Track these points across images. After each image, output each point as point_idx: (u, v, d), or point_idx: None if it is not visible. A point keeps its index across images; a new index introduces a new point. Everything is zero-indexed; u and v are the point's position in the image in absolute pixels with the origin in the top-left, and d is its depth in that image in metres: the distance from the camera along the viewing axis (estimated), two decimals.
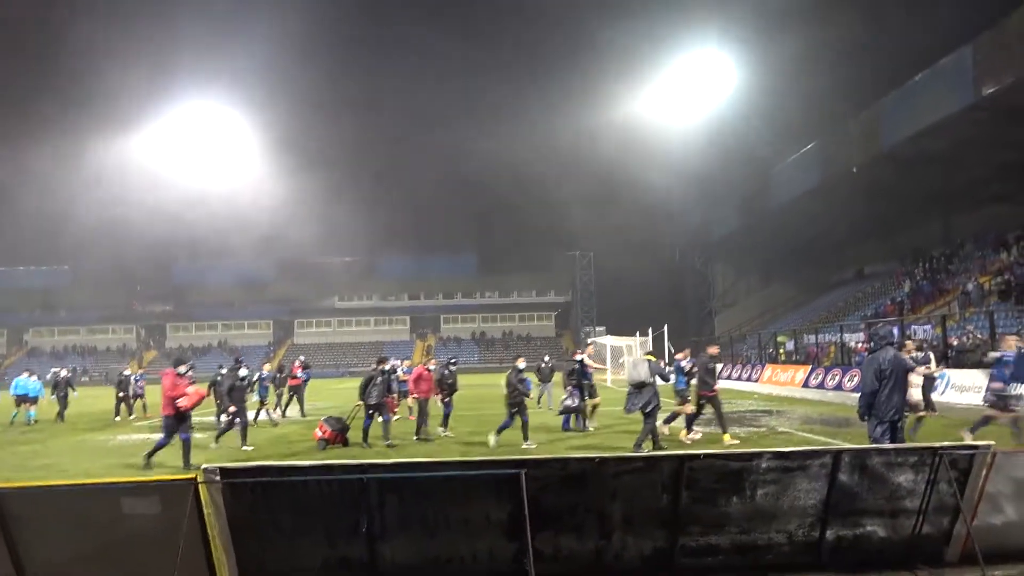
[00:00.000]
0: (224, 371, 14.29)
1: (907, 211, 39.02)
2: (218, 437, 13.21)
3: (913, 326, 25.41)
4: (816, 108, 41.26)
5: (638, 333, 36.59)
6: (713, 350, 13.13)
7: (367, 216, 56.79)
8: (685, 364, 13.23)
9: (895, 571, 5.19)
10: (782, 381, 26.68)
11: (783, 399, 22.41)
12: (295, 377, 18.95)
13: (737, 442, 11.96)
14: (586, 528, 5.07)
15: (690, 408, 12.53)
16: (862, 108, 34.39)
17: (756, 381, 29.37)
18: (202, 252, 66.06)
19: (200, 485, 4.73)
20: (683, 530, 5.11)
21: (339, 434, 12.48)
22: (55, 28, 49.96)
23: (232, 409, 12.69)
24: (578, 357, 14.52)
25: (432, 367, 14.45)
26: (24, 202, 51.63)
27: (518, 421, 12.11)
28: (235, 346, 68.61)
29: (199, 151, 52.62)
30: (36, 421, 19.15)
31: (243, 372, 13.75)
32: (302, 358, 20.00)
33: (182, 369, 10.79)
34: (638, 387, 10.72)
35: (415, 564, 5.03)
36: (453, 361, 15.01)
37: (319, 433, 12.49)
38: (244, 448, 12.65)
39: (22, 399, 19.41)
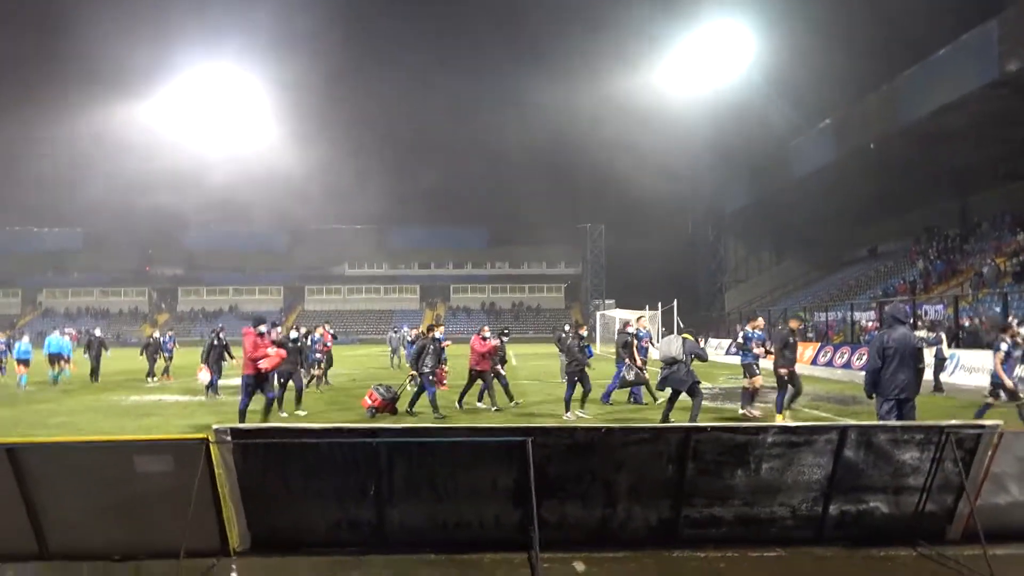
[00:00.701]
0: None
1: (923, 189, 38.59)
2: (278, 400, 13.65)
3: (924, 306, 25.28)
4: (834, 82, 40.63)
5: (647, 307, 36.54)
6: (794, 323, 12.48)
7: (379, 185, 56.81)
8: (754, 336, 12.50)
9: (897, 547, 5.23)
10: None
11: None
12: (327, 344, 18.23)
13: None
14: (591, 497, 5.12)
15: (759, 382, 12.09)
16: (881, 83, 33.85)
17: (765, 358, 29.31)
18: (214, 217, 66.34)
19: (211, 445, 4.80)
20: (688, 501, 5.15)
21: (389, 403, 12.17)
22: None
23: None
24: (630, 329, 13.71)
25: (487, 335, 13.25)
26: (37, 165, 51.91)
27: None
28: (245, 311, 69.17)
29: (213, 115, 52.52)
30: (69, 379, 19.40)
31: (294, 334, 13.88)
32: (327, 325, 19.22)
33: (262, 328, 10.61)
34: (669, 364, 10.30)
35: (422, 528, 5.11)
36: (505, 331, 14.35)
37: (368, 401, 12.17)
38: (298, 412, 12.72)
39: (56, 357, 19.37)
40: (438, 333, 12.73)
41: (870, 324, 26.48)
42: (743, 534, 5.23)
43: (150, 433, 9.89)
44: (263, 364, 10.33)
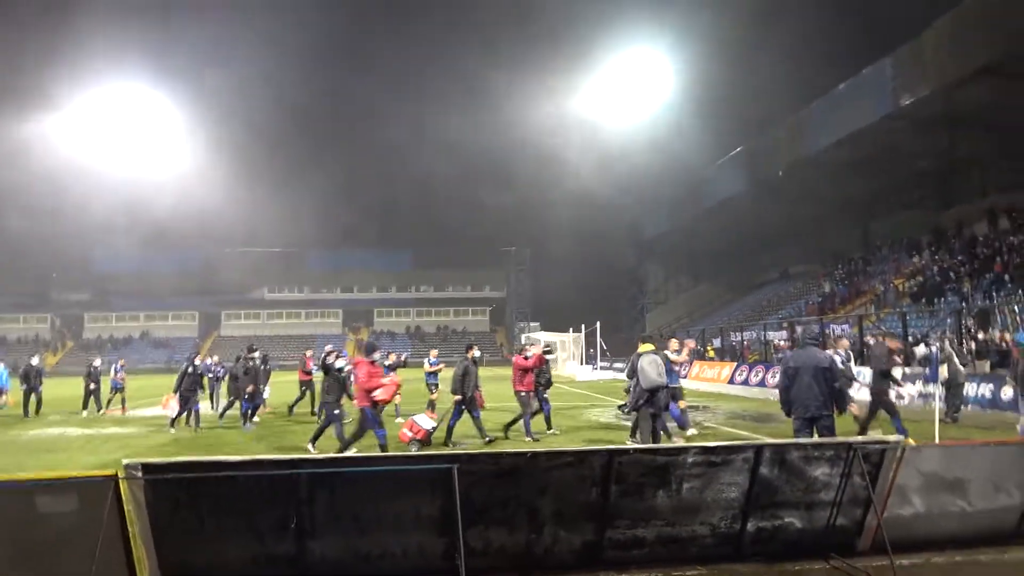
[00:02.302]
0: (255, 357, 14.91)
1: (829, 215, 40.71)
2: (244, 419, 14.31)
3: (832, 325, 26.49)
4: (745, 113, 42.59)
5: (571, 329, 36.99)
6: (893, 344, 11.24)
7: (299, 207, 55.74)
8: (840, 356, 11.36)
9: (810, 561, 5.43)
10: (709, 378, 27.41)
11: (709, 395, 23.04)
12: (308, 372, 16.94)
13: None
14: (517, 522, 5.12)
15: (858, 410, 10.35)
16: (788, 115, 35.63)
17: (684, 377, 30.06)
18: (124, 240, 63.48)
19: (121, 481, 4.57)
20: (611, 524, 5.21)
21: (430, 433, 11.19)
22: None
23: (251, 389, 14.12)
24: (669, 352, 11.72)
25: (530, 354, 12.15)
26: None
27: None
28: (158, 337, 66.31)
29: (123, 134, 50.40)
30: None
31: (340, 363, 13.10)
32: (313, 351, 17.97)
33: (376, 356, 9.99)
34: (652, 391, 9.18)
35: (345, 560, 4.98)
36: (548, 349, 13.13)
37: (408, 433, 11.03)
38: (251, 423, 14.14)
39: None
40: (475, 353, 11.90)
41: (782, 343, 27.54)
42: (665, 554, 5.32)
43: (53, 470, 9.32)
44: (379, 395, 9.69)
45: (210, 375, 17.97)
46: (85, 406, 18.18)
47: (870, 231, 40.83)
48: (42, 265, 66.16)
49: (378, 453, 8.80)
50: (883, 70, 27.96)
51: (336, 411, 10.63)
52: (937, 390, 11.06)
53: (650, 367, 9.11)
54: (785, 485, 5.36)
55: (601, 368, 36.71)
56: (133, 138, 50.37)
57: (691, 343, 13.13)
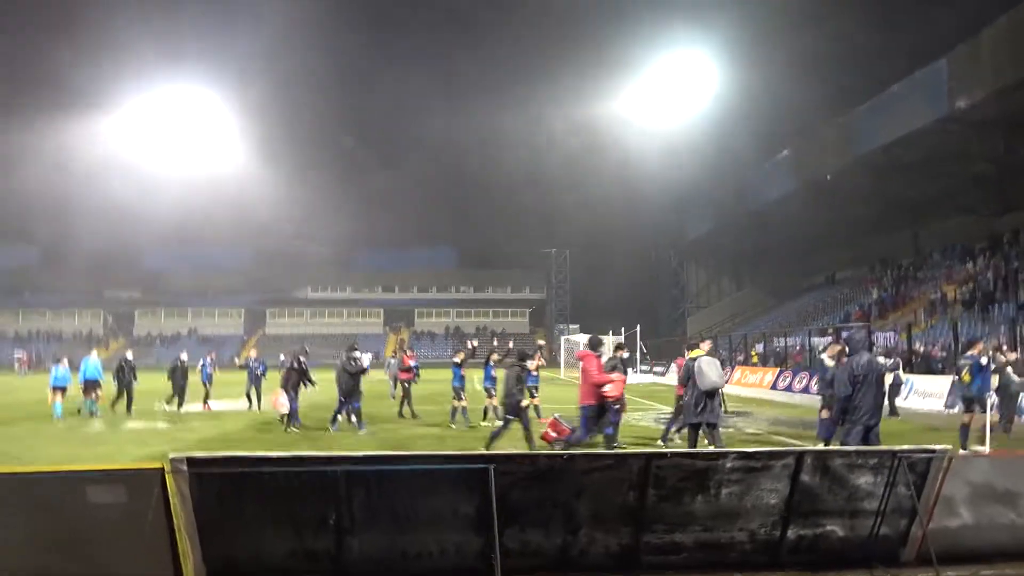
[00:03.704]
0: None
1: (878, 219, 39.70)
2: (333, 420, 13.62)
3: (876, 332, 25.88)
4: (793, 114, 41.82)
5: (611, 331, 36.78)
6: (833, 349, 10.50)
7: (344, 208, 56.53)
8: (983, 361, 10.70)
9: (852, 571, 5.32)
10: (751, 383, 27.02)
11: (752, 400, 22.71)
12: (407, 369, 16.29)
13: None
14: (553, 524, 5.11)
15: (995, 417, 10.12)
16: (838, 115, 34.90)
17: (726, 383, 29.68)
18: (174, 239, 65.20)
19: (167, 475, 4.70)
20: (648, 528, 5.18)
21: (574, 431, 10.16)
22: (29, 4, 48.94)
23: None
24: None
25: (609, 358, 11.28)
26: None
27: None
28: (205, 334, 67.78)
29: (174, 135, 51.82)
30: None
31: (357, 354, 13.68)
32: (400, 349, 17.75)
33: (602, 350, 9.74)
34: (711, 394, 9.05)
35: (382, 557, 5.04)
36: (622, 345, 12.50)
37: (552, 433, 10.29)
38: (360, 432, 13.13)
39: (93, 385, 16.38)
40: (625, 354, 11.59)
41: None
42: (703, 559, 5.26)
43: (103, 462, 9.61)
44: (610, 390, 9.32)
45: (254, 371, 17.91)
46: (181, 402, 17.42)
47: (920, 236, 39.74)
48: (95, 263, 68.24)
49: (416, 452, 8.82)
50: (938, 72, 27.21)
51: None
52: (990, 400, 10.71)
53: (709, 368, 9.02)
54: (827, 493, 5.26)
55: (641, 372, 36.42)
56: (185, 138, 51.75)
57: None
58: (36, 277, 68.74)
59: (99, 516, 4.69)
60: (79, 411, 16.39)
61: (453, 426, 14.15)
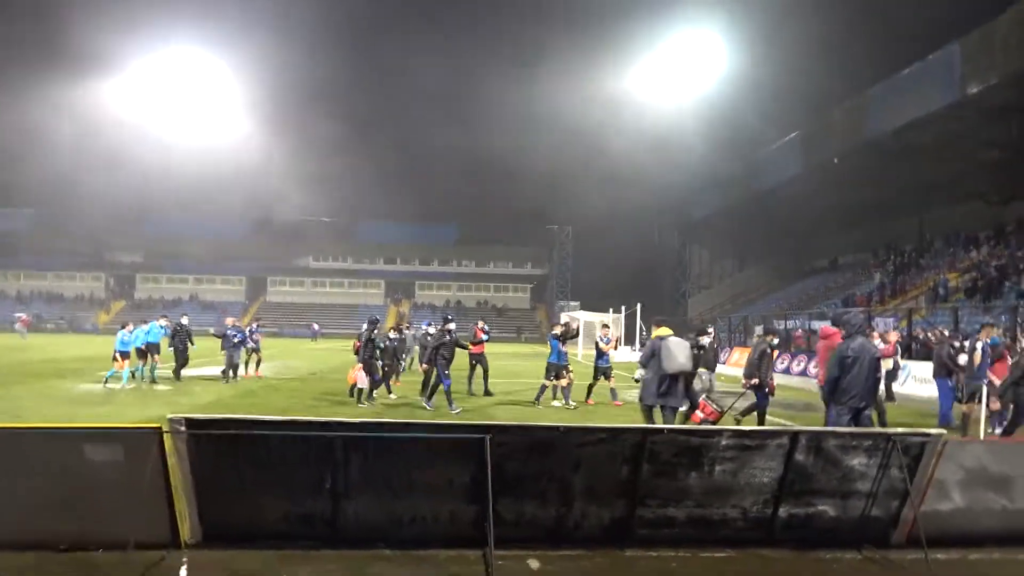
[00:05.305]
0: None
1: (884, 204, 39.50)
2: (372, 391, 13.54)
3: (876, 318, 25.86)
4: (802, 96, 41.45)
5: (611, 310, 36.82)
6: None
7: (348, 178, 56.33)
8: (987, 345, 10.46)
9: (843, 550, 5.36)
10: None
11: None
12: (479, 342, 15.48)
13: None
14: (548, 495, 5.16)
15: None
16: (848, 98, 34.56)
17: (723, 363, 29.75)
18: (177, 204, 65.02)
19: (165, 435, 4.73)
20: (642, 502, 5.22)
21: (721, 414, 9.98)
22: None
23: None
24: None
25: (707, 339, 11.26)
26: None
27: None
28: (206, 300, 67.96)
29: (178, 100, 51.46)
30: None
31: (394, 334, 14.91)
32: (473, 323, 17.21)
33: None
34: (675, 377, 8.70)
35: (377, 523, 5.10)
36: (708, 330, 12.04)
37: (700, 415, 9.91)
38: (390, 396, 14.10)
39: (152, 348, 16.22)
40: (775, 340, 11.34)
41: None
42: (695, 535, 5.31)
43: (102, 422, 9.67)
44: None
45: (231, 339, 16.88)
46: (234, 373, 16.84)
47: (925, 222, 39.58)
48: (97, 226, 68.11)
49: (412, 420, 8.85)
50: (951, 56, 26.87)
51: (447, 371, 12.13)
52: (984, 387, 10.70)
53: (678, 349, 8.63)
54: (820, 473, 5.30)
55: (640, 350, 36.49)
56: (188, 103, 51.37)
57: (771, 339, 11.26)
58: (35, 239, 68.63)
59: (97, 475, 4.73)
60: (133, 375, 15.95)
61: (572, 403, 13.74)
